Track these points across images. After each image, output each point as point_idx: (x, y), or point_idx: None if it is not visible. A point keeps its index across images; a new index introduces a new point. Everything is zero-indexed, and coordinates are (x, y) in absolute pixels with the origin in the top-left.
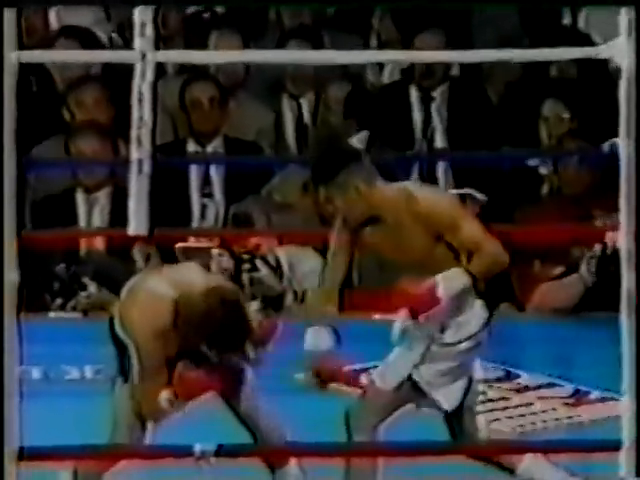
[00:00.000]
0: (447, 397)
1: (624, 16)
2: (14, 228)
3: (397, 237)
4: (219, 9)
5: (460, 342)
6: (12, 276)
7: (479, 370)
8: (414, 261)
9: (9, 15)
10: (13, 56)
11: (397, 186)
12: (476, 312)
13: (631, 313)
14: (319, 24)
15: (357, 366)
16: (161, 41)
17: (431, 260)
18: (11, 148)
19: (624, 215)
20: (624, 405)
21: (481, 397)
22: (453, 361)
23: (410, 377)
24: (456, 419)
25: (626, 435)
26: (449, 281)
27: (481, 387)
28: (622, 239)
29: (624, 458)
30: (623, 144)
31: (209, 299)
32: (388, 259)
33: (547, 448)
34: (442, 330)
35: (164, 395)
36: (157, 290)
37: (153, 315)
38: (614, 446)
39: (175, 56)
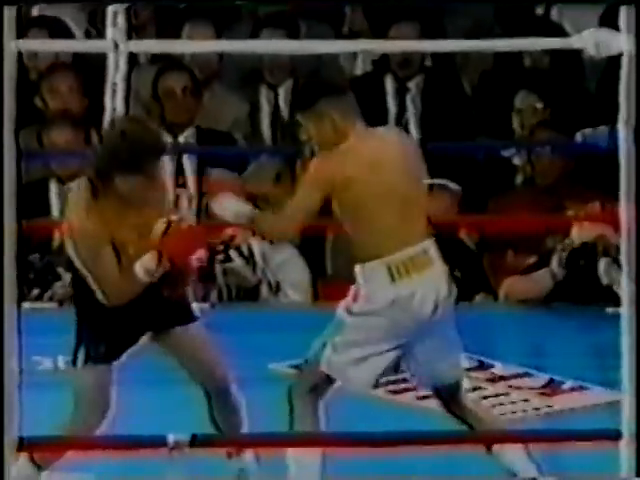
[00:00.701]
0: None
1: (624, 14)
2: (14, 220)
3: None
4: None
5: (366, 314)
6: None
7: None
8: None
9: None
10: (13, 45)
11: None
12: (383, 285)
13: (631, 307)
14: (294, 13)
15: None
16: (133, 31)
17: None
18: (10, 138)
19: (623, 208)
20: (624, 401)
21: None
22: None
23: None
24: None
25: (626, 432)
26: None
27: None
28: (622, 232)
29: (624, 456)
30: (622, 137)
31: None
32: None
33: (523, 437)
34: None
35: (145, 261)
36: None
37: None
38: (589, 436)
39: (148, 46)
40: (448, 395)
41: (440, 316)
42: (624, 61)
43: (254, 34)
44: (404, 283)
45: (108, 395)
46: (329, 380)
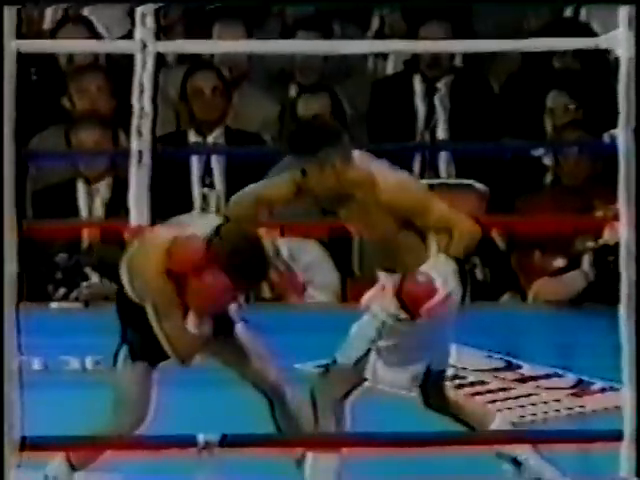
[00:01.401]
0: (395, 377)
1: (624, 12)
2: (14, 218)
3: (365, 219)
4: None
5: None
6: (12, 267)
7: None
8: (380, 246)
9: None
10: (13, 45)
11: (366, 168)
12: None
13: (631, 304)
14: (326, 14)
15: None
16: (162, 32)
17: (396, 245)
18: (11, 138)
19: (623, 207)
20: (624, 399)
21: (459, 382)
22: (407, 339)
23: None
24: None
25: (627, 432)
26: (438, 269)
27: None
28: (622, 231)
29: (625, 455)
30: (622, 137)
31: (229, 235)
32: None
33: (549, 438)
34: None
35: (190, 321)
36: (163, 233)
37: (160, 255)
38: (617, 437)
39: (176, 46)
40: (432, 384)
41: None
42: (623, 61)
43: (287, 35)
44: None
45: (149, 396)
46: (360, 383)
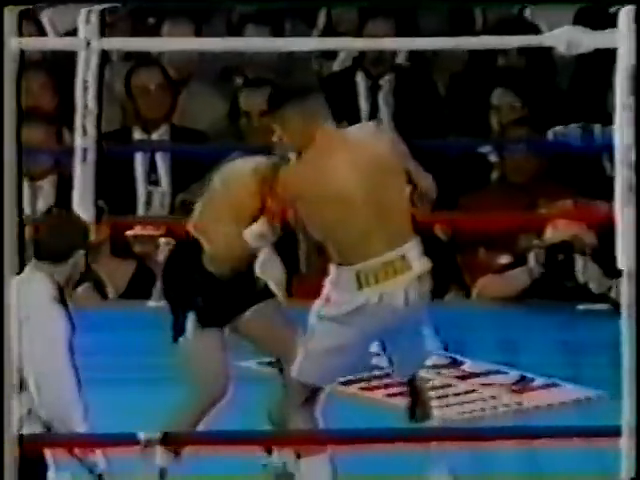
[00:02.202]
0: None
1: (623, 13)
2: (15, 219)
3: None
4: None
5: (334, 320)
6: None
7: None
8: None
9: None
10: (13, 43)
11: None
12: (350, 292)
13: (631, 308)
14: (273, 11)
15: None
16: (107, 28)
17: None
18: (12, 135)
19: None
20: (624, 401)
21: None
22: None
23: None
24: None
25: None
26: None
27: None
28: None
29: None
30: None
31: None
32: None
33: (494, 435)
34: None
35: (255, 229)
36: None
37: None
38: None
39: (120, 43)
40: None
41: (412, 316)
42: (622, 60)
43: (235, 32)
44: (372, 290)
45: (226, 362)
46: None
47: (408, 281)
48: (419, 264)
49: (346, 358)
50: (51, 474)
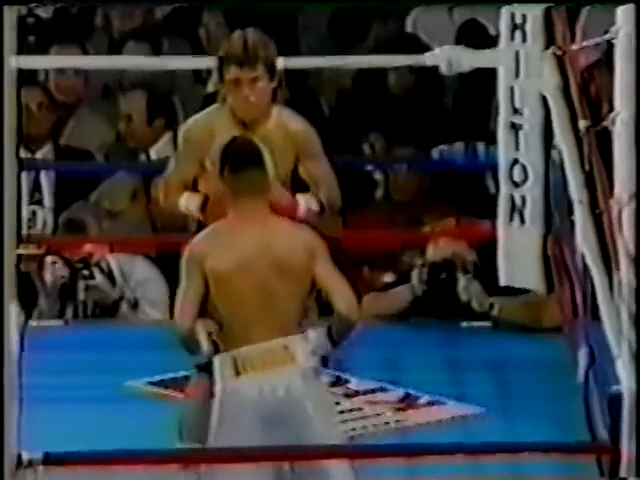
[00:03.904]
0: None
1: (623, 13)
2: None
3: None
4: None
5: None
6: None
7: None
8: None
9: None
10: (12, 60)
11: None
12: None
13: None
14: (153, 27)
15: None
16: None
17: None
18: (11, 150)
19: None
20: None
21: None
22: None
23: None
24: None
25: (625, 432)
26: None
27: None
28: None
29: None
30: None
31: None
32: None
33: (377, 452)
34: None
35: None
36: None
37: None
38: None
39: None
40: None
41: (294, 409)
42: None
43: (115, 49)
44: (248, 379)
45: None
46: None
47: (292, 373)
48: (305, 359)
49: None
50: None
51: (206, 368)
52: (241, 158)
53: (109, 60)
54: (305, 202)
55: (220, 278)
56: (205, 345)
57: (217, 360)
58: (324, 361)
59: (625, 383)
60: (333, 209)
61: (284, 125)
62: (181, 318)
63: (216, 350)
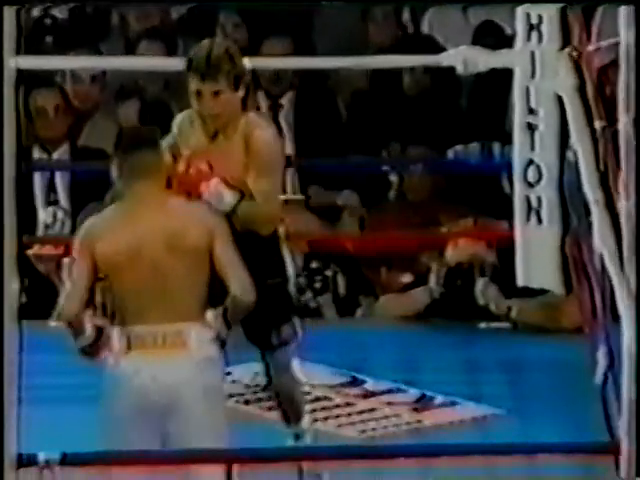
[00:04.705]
0: None
1: (623, 14)
2: (15, 234)
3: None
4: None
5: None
6: (13, 283)
7: None
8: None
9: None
10: (12, 61)
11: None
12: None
13: (632, 309)
14: (167, 27)
15: None
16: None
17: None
18: (11, 151)
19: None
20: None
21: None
22: None
23: None
24: None
25: (624, 434)
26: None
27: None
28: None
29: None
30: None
31: None
32: None
33: (393, 454)
34: None
35: None
36: None
37: None
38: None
39: (14, 62)
40: None
41: (176, 396)
42: (623, 60)
43: (131, 50)
44: (136, 358)
45: None
46: None
47: (183, 361)
48: (198, 347)
49: None
50: None
51: (90, 352)
52: (132, 140)
53: (124, 61)
54: (216, 184)
55: (111, 262)
56: (89, 331)
57: (113, 333)
58: (222, 344)
59: (625, 382)
60: (259, 223)
61: (249, 135)
62: (66, 303)
63: (98, 337)
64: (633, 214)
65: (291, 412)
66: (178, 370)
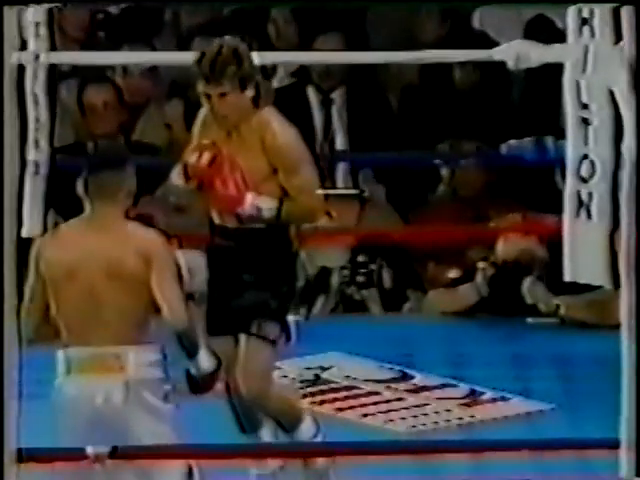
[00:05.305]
0: None
1: (624, 15)
2: (14, 234)
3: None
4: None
5: None
6: (12, 282)
7: None
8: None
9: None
10: (14, 56)
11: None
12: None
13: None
14: (221, 23)
15: None
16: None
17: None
18: (12, 149)
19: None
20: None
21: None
22: None
23: None
24: None
25: (624, 435)
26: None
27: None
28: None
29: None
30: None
31: None
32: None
33: (444, 448)
34: None
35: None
36: None
37: None
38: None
39: (69, 58)
40: None
41: (111, 418)
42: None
43: (183, 45)
44: (75, 380)
45: None
46: None
47: (113, 383)
48: (135, 370)
49: None
50: None
51: None
52: (98, 159)
53: (177, 55)
54: (252, 199)
55: (51, 281)
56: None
57: (58, 355)
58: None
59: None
60: (305, 219)
61: (263, 132)
62: (24, 313)
63: None
64: None
65: (285, 421)
66: (116, 393)
